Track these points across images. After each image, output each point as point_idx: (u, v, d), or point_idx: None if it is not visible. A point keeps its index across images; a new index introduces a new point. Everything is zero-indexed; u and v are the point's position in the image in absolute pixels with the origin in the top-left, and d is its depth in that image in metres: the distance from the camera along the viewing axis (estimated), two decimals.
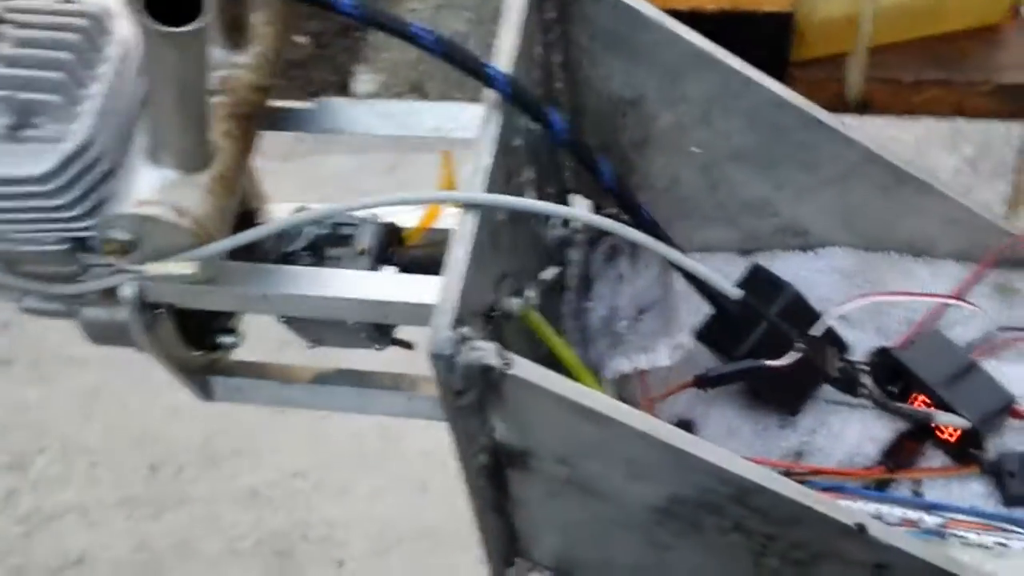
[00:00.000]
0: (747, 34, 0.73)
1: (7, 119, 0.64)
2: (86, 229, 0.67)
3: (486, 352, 0.57)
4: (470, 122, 0.75)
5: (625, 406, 0.59)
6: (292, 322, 0.75)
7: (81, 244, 0.69)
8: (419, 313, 0.66)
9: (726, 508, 0.62)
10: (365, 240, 0.73)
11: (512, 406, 0.60)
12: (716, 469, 0.59)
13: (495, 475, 0.65)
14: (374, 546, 1.89)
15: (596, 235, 0.86)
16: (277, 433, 2.03)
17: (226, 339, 0.78)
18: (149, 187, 0.65)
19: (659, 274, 0.81)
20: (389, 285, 0.68)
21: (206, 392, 0.79)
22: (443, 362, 0.57)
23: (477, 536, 0.74)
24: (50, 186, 0.64)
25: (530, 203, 0.64)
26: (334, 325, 0.74)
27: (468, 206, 0.62)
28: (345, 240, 0.74)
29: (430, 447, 1.99)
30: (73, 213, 0.65)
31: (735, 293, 0.72)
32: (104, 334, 0.74)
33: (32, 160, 0.63)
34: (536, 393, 0.58)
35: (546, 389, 0.58)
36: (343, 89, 2.50)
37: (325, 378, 0.79)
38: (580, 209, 0.71)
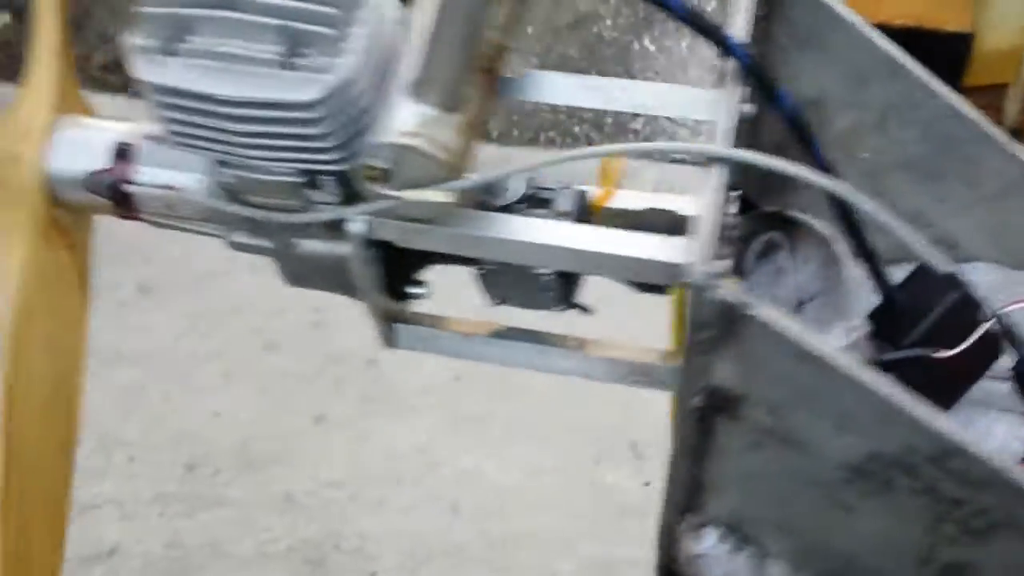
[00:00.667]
0: (927, 51, 0.78)
1: (279, 48, 0.67)
2: (333, 162, 0.70)
3: (734, 291, 0.61)
4: (675, 101, 0.80)
5: (848, 355, 0.63)
6: (488, 276, 0.79)
7: (312, 180, 0.72)
8: (643, 268, 0.70)
9: (922, 469, 0.66)
10: (566, 203, 0.77)
11: (743, 348, 0.63)
12: (927, 427, 0.63)
13: (705, 420, 0.68)
14: (405, 561, 1.90)
15: (750, 232, 0.90)
16: (316, 444, 2.05)
17: (416, 289, 0.81)
18: (409, 121, 0.68)
19: (820, 267, 0.85)
20: (614, 240, 0.71)
21: (390, 339, 0.82)
22: (698, 293, 0.61)
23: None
24: (314, 114, 0.67)
25: (782, 164, 0.68)
26: (526, 283, 0.77)
27: (717, 159, 0.66)
28: (544, 203, 0.77)
29: (466, 468, 2.01)
30: (326, 144, 0.69)
31: (941, 261, 0.75)
32: (314, 270, 0.77)
33: (301, 87, 0.67)
34: (770, 337, 0.62)
35: (781, 333, 0.62)
36: None
37: (505, 334, 0.82)
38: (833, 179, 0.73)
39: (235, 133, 0.69)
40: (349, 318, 2.14)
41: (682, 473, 0.71)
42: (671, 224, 0.75)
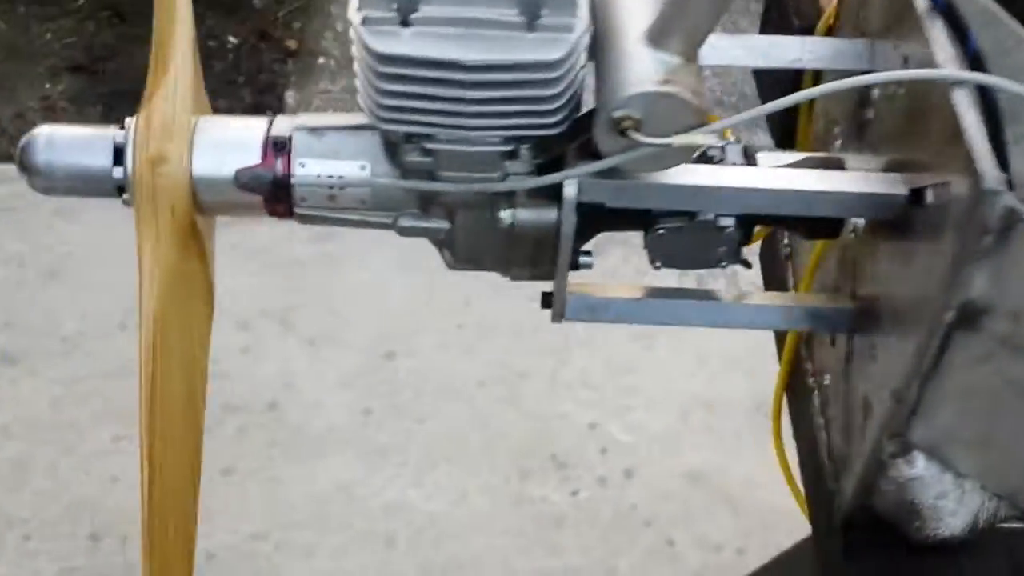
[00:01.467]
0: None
1: (516, 9, 0.68)
2: (557, 123, 0.71)
3: (1014, 199, 0.64)
4: (826, 54, 0.85)
5: None
6: (665, 236, 0.79)
7: (515, 149, 0.73)
8: (871, 203, 0.74)
9: None
10: (735, 156, 0.79)
11: (1008, 256, 0.65)
12: None
13: (947, 336, 0.70)
14: None
15: None
16: (228, 497, 1.96)
17: (586, 259, 0.81)
18: (656, 69, 0.69)
19: None
20: (842, 180, 0.75)
21: (561, 313, 0.82)
22: (989, 199, 0.64)
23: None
24: (555, 73, 0.68)
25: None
26: (708, 238, 0.78)
27: (962, 83, 0.70)
28: (710, 160, 0.79)
29: (392, 500, 1.97)
30: (557, 104, 0.70)
31: None
32: (500, 243, 0.77)
33: (547, 47, 0.67)
34: None
35: None
36: (269, 106, 2.53)
37: (675, 294, 0.83)
38: None
39: (469, 101, 0.69)
40: (241, 365, 2.10)
41: (909, 394, 0.73)
42: (828, 166, 0.79)
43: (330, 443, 2.02)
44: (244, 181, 0.77)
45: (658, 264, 0.80)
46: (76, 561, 1.85)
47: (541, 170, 0.74)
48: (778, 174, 0.76)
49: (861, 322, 0.80)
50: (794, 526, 1.94)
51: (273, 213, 0.79)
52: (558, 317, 0.81)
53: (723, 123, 0.69)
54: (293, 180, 0.77)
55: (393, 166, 0.76)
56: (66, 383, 2.08)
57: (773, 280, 1.03)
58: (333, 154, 0.77)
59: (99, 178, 0.78)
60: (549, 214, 0.75)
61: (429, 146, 0.73)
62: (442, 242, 0.80)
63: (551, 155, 0.74)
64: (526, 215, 0.75)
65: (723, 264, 0.81)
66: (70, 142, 0.79)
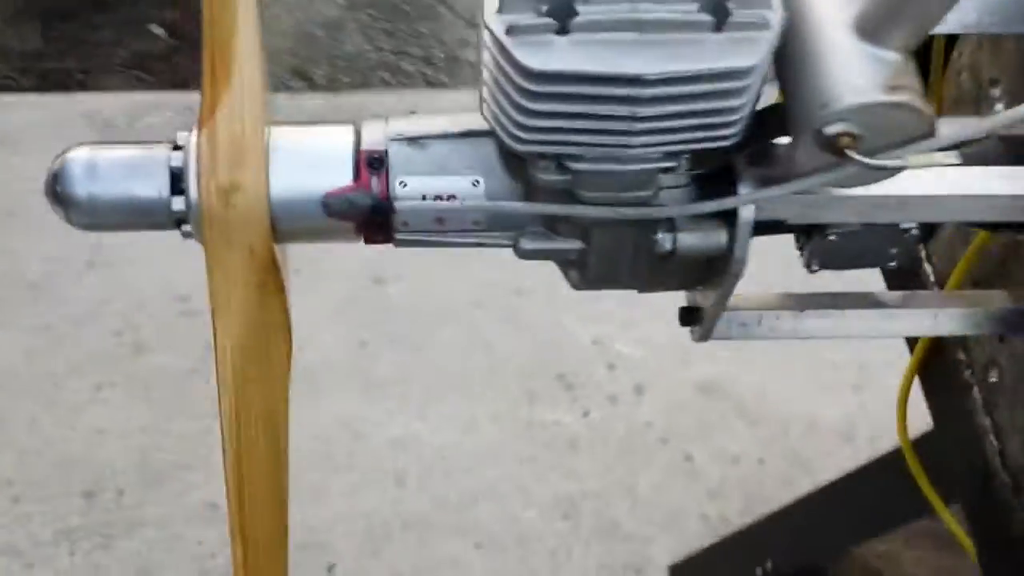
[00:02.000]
0: None
1: (696, 5, 0.55)
2: (735, 135, 0.58)
3: None
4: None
5: None
6: (838, 240, 0.68)
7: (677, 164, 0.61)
8: None
9: None
10: None
11: None
12: None
13: None
14: (362, 545, 1.77)
15: None
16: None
17: None
18: (875, 72, 0.56)
19: None
20: None
21: (707, 333, 0.71)
22: None
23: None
24: (748, 81, 0.55)
25: None
26: (874, 244, 0.68)
27: None
28: None
29: (397, 436, 1.90)
30: (741, 114, 0.57)
31: None
32: (642, 265, 0.66)
33: (742, 51, 0.54)
34: None
35: None
36: None
37: (830, 302, 0.73)
38: None
39: (639, 118, 0.56)
40: None
41: None
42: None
43: (327, 379, 1.93)
44: (337, 208, 0.64)
45: (815, 267, 0.70)
46: (72, 521, 1.75)
47: (702, 183, 0.63)
48: (989, 175, 0.64)
49: None
50: (811, 433, 1.91)
51: (369, 240, 0.67)
52: (704, 338, 0.71)
53: (964, 130, 0.57)
54: (396, 203, 0.64)
55: (514, 180, 0.64)
56: (38, 331, 1.95)
57: (899, 275, 0.91)
58: (440, 169, 0.64)
59: (155, 211, 0.64)
60: (717, 237, 0.63)
61: (573, 166, 0.60)
62: (571, 262, 0.68)
63: (713, 166, 0.62)
64: (690, 240, 0.63)
65: (893, 264, 0.71)
66: (115, 168, 0.64)
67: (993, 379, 0.80)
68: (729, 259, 0.63)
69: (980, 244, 0.79)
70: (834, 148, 0.56)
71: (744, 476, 1.86)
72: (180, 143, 0.64)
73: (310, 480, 1.80)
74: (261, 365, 0.67)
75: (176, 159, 0.64)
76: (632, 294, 0.72)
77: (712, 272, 0.66)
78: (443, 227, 0.66)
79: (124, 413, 1.87)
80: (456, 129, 0.65)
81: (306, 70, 2.37)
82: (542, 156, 0.61)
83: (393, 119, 0.66)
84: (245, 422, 0.66)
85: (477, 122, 0.64)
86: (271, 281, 0.66)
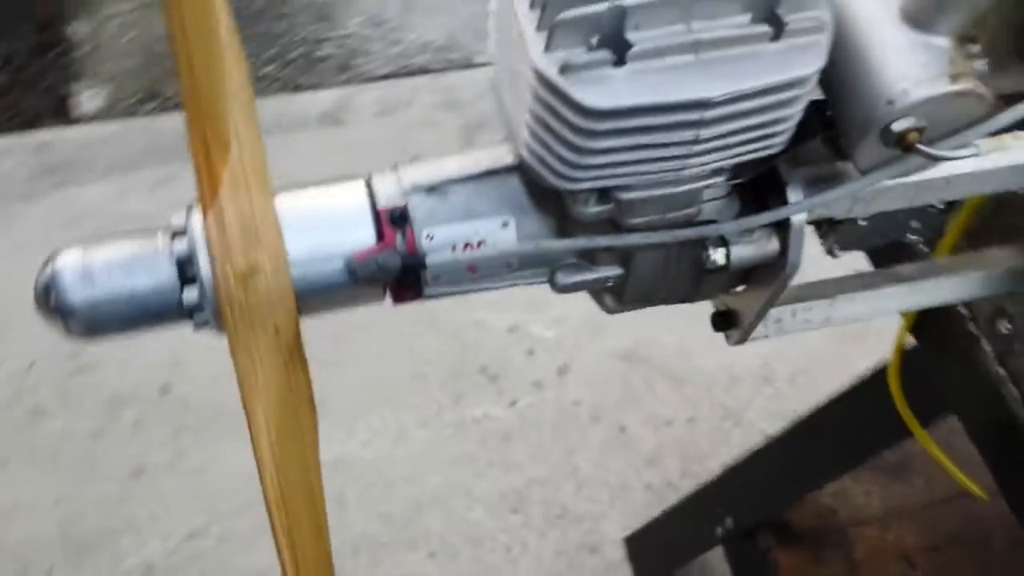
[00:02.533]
0: None
1: (748, 16, 0.52)
2: (782, 143, 0.57)
3: None
4: None
5: None
6: (866, 224, 0.67)
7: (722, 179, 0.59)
8: None
9: None
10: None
11: None
12: None
13: None
14: None
15: None
16: (149, 497, 1.77)
17: None
18: (933, 61, 0.55)
19: None
20: None
21: (745, 335, 0.69)
22: None
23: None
24: (807, 88, 0.53)
25: None
26: (896, 222, 0.68)
27: None
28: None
29: (331, 458, 1.84)
30: (792, 122, 0.55)
31: None
32: (681, 279, 0.64)
33: (802, 59, 0.52)
34: None
35: None
36: (62, 112, 2.19)
37: (858, 285, 0.72)
38: None
39: (701, 140, 0.54)
40: (120, 351, 1.87)
41: None
42: None
43: (241, 415, 1.85)
44: (365, 273, 0.59)
45: (838, 253, 0.69)
46: None
47: (742, 190, 0.61)
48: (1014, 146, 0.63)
49: None
50: (733, 384, 1.94)
51: (398, 300, 0.63)
52: (742, 341, 0.69)
53: (1005, 116, 0.55)
54: (427, 259, 0.60)
55: (545, 215, 0.61)
56: None
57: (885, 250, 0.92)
58: (465, 214, 0.60)
59: (165, 307, 0.59)
60: (770, 245, 0.62)
61: (622, 196, 0.58)
62: (607, 289, 0.65)
63: (755, 173, 0.60)
64: (744, 252, 0.61)
65: (913, 237, 0.70)
66: (113, 268, 0.58)
67: (1003, 330, 0.81)
68: (781, 263, 0.62)
69: (974, 207, 0.80)
70: (903, 143, 0.55)
71: (678, 438, 1.87)
72: (177, 228, 0.59)
73: (251, 518, 1.73)
74: (296, 440, 0.64)
75: (180, 247, 0.58)
76: None
77: (755, 275, 0.65)
78: (475, 275, 0.62)
79: (32, 483, 1.75)
80: (476, 170, 0.61)
81: (158, 90, 2.25)
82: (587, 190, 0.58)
83: (403, 167, 0.62)
84: (290, 497, 0.63)
85: (494, 159, 0.62)
86: (297, 356, 0.62)
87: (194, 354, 1.89)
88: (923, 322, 0.90)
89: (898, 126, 0.55)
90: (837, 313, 0.72)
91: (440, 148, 2.12)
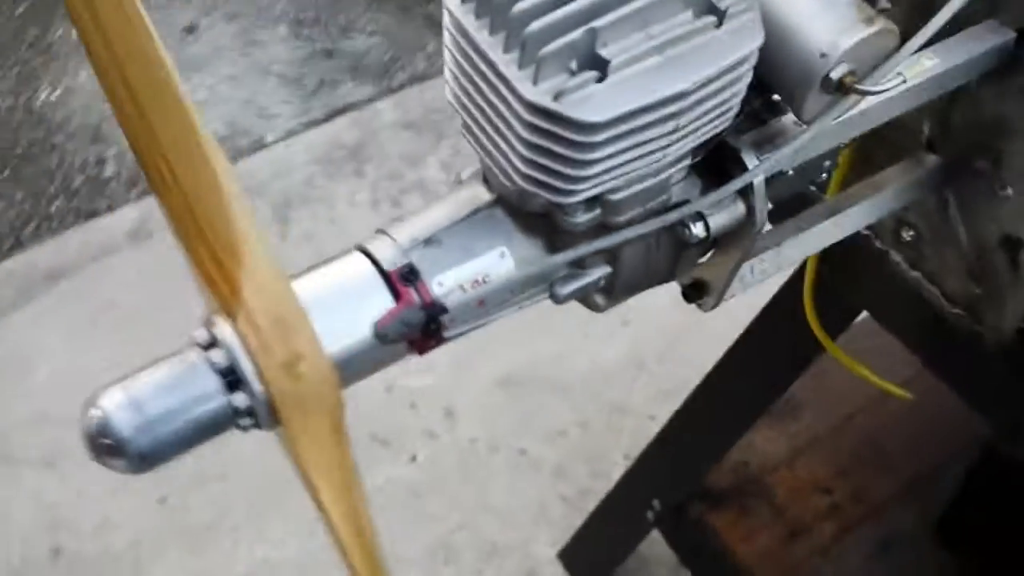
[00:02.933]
0: None
1: (693, 9, 0.59)
2: (736, 116, 0.64)
3: None
4: None
5: None
6: (785, 178, 0.73)
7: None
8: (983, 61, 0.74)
9: None
10: None
11: None
12: None
13: None
14: None
15: None
16: None
17: None
18: (848, 10, 0.63)
19: None
20: (948, 52, 0.72)
21: (716, 299, 0.75)
22: None
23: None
24: (754, 59, 0.61)
25: None
26: (814, 165, 0.76)
27: None
28: None
29: (247, 568, 1.80)
30: (743, 95, 0.64)
31: None
32: (673, 258, 0.70)
33: (743, 37, 0.60)
34: None
35: None
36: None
37: (800, 225, 0.78)
38: None
39: (680, 128, 0.60)
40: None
41: None
42: None
43: (145, 551, 1.78)
44: (394, 333, 0.63)
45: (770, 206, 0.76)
46: None
47: (700, 168, 0.67)
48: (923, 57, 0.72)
49: (955, 174, 0.82)
50: (610, 379, 2.00)
51: (423, 350, 0.66)
52: (715, 304, 0.75)
53: (921, 37, 0.64)
54: (446, 303, 0.64)
55: (534, 236, 0.66)
56: None
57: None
58: (465, 255, 0.65)
59: (218, 418, 0.59)
60: (738, 209, 0.68)
61: (612, 197, 0.63)
62: (598, 289, 0.70)
63: (707, 151, 0.66)
64: (720, 220, 0.68)
65: (824, 175, 0.77)
66: (158, 395, 0.58)
67: (907, 238, 0.89)
68: (750, 223, 0.69)
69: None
70: (843, 87, 0.63)
71: (577, 444, 1.92)
72: (204, 341, 0.60)
73: None
74: (360, 518, 0.66)
75: (217, 358, 0.59)
76: None
77: (722, 242, 0.71)
78: (485, 308, 0.66)
79: None
80: (462, 213, 0.66)
81: None
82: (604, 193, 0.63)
83: (391, 228, 0.66)
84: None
85: (473, 199, 0.67)
86: (345, 433, 0.63)
87: (75, 505, 1.81)
88: (829, 250, 0.98)
89: (835, 73, 0.63)
90: (785, 258, 0.78)
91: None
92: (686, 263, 0.72)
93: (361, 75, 2.49)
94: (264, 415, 0.59)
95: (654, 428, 1.53)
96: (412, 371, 1.98)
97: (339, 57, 2.52)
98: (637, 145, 0.60)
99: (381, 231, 0.66)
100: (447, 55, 0.64)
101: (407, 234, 0.64)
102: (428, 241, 0.64)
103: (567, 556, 1.79)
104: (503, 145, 0.61)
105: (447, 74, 0.65)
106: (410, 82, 2.48)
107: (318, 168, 2.32)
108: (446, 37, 0.63)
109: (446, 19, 0.62)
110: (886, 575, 1.47)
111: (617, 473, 1.72)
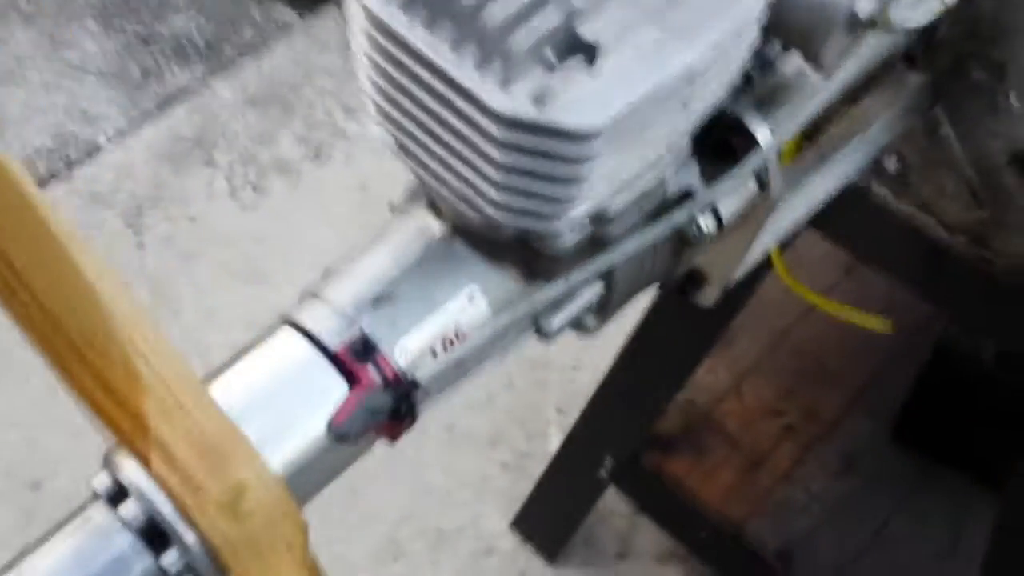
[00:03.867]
0: None
1: None
2: (731, 83, 0.55)
3: None
4: None
5: None
6: None
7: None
8: None
9: None
10: None
11: None
12: None
13: None
14: None
15: None
16: None
17: None
18: None
19: None
20: None
21: (718, 287, 0.68)
22: None
23: None
24: (760, 18, 0.53)
25: None
26: None
27: None
28: None
29: None
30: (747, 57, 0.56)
31: None
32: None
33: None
34: None
35: None
36: None
37: (794, 189, 0.70)
38: None
39: (687, 107, 0.51)
40: None
41: None
42: None
43: None
44: (355, 428, 0.51)
45: None
46: None
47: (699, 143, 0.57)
48: None
49: (946, 90, 0.75)
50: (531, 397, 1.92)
51: (395, 436, 0.55)
52: (721, 294, 0.67)
53: None
54: (416, 375, 0.52)
55: (503, 266, 0.55)
56: None
57: None
58: (428, 307, 0.53)
59: None
60: (750, 187, 0.60)
61: (612, 207, 0.53)
62: (589, 311, 0.61)
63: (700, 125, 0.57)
64: (732, 206, 0.59)
65: None
66: (70, 571, 0.46)
67: (892, 168, 0.83)
68: (764, 198, 0.61)
69: None
70: (881, 21, 0.55)
71: (505, 407, 1.85)
72: (107, 492, 0.48)
73: None
74: None
75: (130, 513, 0.47)
76: None
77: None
78: (463, 368, 0.56)
79: None
80: (410, 254, 0.54)
81: None
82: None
83: (321, 288, 0.54)
84: None
85: (423, 234, 0.55)
86: (313, 563, 0.53)
87: None
88: None
89: (862, 9, 0.54)
90: (782, 227, 0.71)
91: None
92: (690, 256, 0.63)
93: (186, 56, 2.30)
94: (208, 571, 0.48)
95: (581, 377, 1.48)
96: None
97: (158, 42, 2.32)
98: (641, 143, 0.50)
99: (310, 294, 0.54)
100: (364, 63, 0.50)
101: (346, 294, 0.53)
102: (377, 300, 0.52)
103: (521, 525, 1.73)
104: (466, 172, 0.49)
105: (366, 84, 0.51)
106: (240, 55, 2.31)
107: (163, 164, 2.14)
108: (360, 42, 0.49)
109: (357, 19, 0.48)
110: (854, 489, 1.46)
111: (553, 430, 1.67)
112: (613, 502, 1.66)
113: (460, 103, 0.46)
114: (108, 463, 0.47)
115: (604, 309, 0.60)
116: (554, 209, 0.50)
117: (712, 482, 1.51)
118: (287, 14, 2.33)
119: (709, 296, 0.68)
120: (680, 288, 0.67)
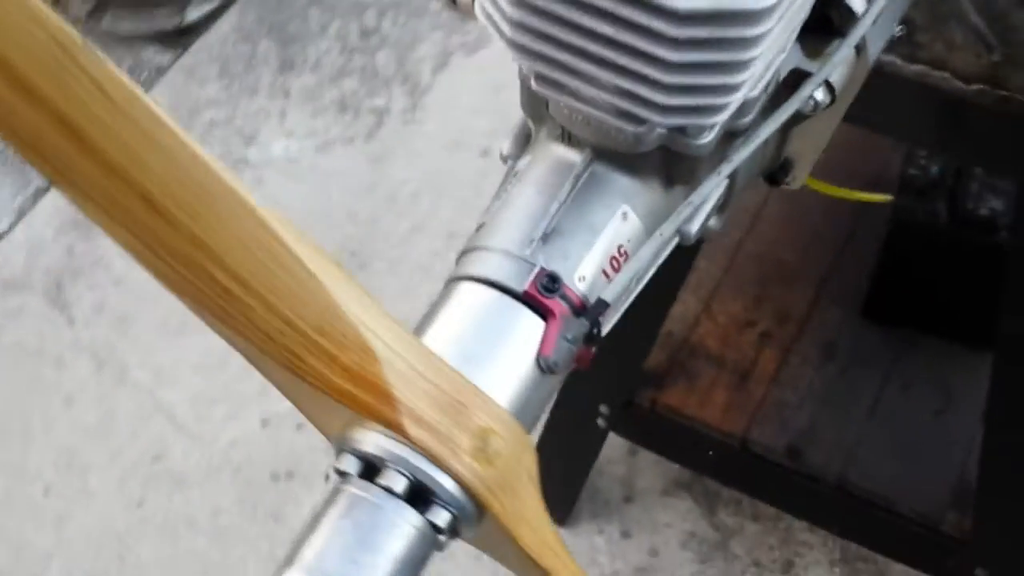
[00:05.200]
0: None
1: None
2: None
3: None
4: None
5: None
6: None
7: None
8: None
9: None
10: None
11: None
12: None
13: None
14: None
15: None
16: None
17: None
18: None
19: None
20: None
21: (802, 171, 0.68)
22: None
23: None
24: None
25: None
26: None
27: None
28: None
29: None
30: None
31: None
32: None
33: None
34: None
35: None
36: None
37: None
38: None
39: None
40: None
41: None
42: None
43: None
44: (562, 358, 0.54)
45: None
46: None
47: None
48: None
49: None
50: None
51: (586, 362, 0.57)
52: (804, 179, 0.68)
53: None
54: (605, 295, 0.54)
55: (645, 178, 0.57)
56: None
57: None
58: (592, 233, 0.55)
59: (424, 542, 0.50)
60: (851, 55, 0.60)
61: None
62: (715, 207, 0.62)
63: None
64: (841, 75, 0.59)
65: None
66: (350, 551, 0.47)
67: (898, 32, 0.84)
68: (860, 66, 0.61)
69: None
70: None
71: None
72: (354, 471, 0.49)
73: None
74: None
75: (392, 481, 0.49)
76: None
77: None
78: (634, 282, 0.58)
79: None
80: (560, 188, 0.56)
81: None
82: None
83: (480, 239, 0.56)
84: None
85: (557, 165, 0.57)
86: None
87: None
88: None
89: None
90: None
91: None
92: (794, 142, 0.64)
93: None
94: (470, 517, 0.51)
95: None
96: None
97: None
98: (792, 14, 0.51)
99: (473, 248, 0.56)
100: (501, 4, 0.51)
101: (512, 238, 0.55)
102: (545, 236, 0.55)
103: None
104: (627, 84, 0.51)
105: (503, 25, 0.52)
106: None
107: (73, 233, 2.08)
108: None
109: None
110: (840, 375, 1.51)
111: None
112: (606, 451, 1.68)
113: (626, 11, 0.47)
114: (346, 444, 0.49)
115: (724, 206, 0.62)
116: (719, 100, 0.52)
117: (708, 403, 1.54)
118: (159, 56, 2.28)
119: (796, 180, 0.69)
120: (771, 178, 0.69)
